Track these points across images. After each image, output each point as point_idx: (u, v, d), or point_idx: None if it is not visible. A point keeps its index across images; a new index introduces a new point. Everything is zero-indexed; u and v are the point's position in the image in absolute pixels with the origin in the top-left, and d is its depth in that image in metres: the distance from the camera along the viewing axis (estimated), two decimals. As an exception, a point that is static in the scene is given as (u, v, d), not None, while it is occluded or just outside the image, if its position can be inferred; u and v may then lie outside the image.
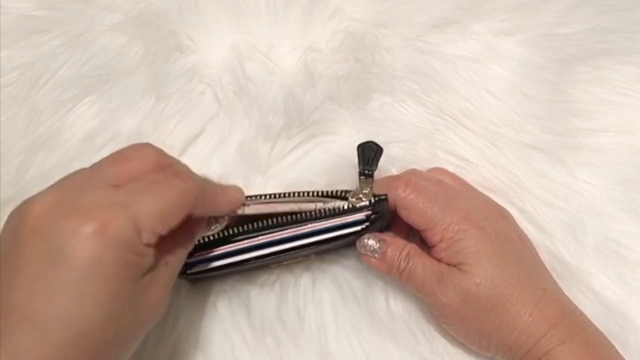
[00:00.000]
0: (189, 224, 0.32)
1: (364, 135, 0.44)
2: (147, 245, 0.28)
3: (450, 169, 0.44)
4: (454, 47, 0.45)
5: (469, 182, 0.43)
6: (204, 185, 0.32)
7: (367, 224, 0.38)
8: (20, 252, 0.27)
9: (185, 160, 0.35)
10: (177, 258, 0.32)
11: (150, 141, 0.34)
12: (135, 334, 0.30)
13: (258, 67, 0.44)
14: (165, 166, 0.31)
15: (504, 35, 0.46)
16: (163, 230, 0.29)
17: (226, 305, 0.41)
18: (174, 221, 0.29)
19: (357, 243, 0.39)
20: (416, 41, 0.45)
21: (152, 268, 0.29)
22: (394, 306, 0.41)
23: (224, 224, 0.37)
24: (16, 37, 0.43)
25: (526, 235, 0.41)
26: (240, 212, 0.37)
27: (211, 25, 0.45)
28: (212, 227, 0.37)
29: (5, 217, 0.31)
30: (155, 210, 0.28)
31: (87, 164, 0.32)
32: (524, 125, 0.44)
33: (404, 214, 0.39)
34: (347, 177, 0.43)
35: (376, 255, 0.38)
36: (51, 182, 0.31)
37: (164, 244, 0.30)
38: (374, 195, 0.38)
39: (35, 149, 0.42)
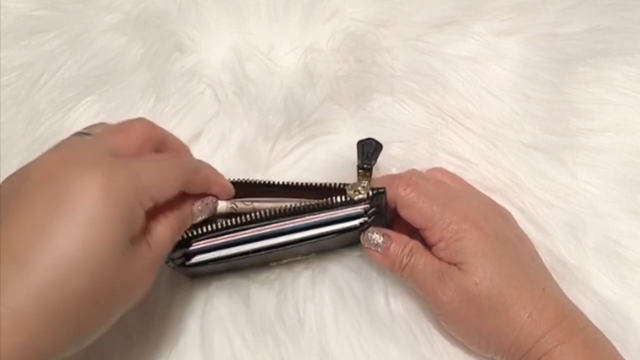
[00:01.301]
0: (173, 210, 0.33)
1: (363, 135, 0.44)
2: (142, 207, 0.30)
3: (450, 169, 0.44)
4: (454, 47, 0.45)
5: (469, 182, 0.43)
6: (198, 165, 0.36)
7: (365, 218, 0.37)
8: (24, 199, 0.28)
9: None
10: (163, 244, 0.32)
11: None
12: (116, 305, 0.30)
13: (258, 67, 0.44)
14: (158, 136, 0.34)
15: (504, 35, 0.46)
16: (158, 196, 0.31)
17: (226, 304, 0.41)
18: (169, 191, 0.32)
19: (362, 237, 0.39)
20: (416, 41, 0.45)
21: (139, 241, 0.30)
22: (394, 306, 0.41)
23: (207, 215, 0.37)
24: (16, 37, 0.44)
25: (526, 236, 0.41)
26: (230, 205, 0.37)
27: (211, 25, 0.45)
28: (198, 218, 0.37)
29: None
30: (153, 175, 0.31)
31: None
32: (524, 125, 0.44)
33: (403, 212, 0.39)
34: (347, 177, 0.42)
35: (379, 249, 0.38)
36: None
37: (152, 225, 0.32)
38: (372, 189, 0.37)
39: (35, 149, 0.42)
